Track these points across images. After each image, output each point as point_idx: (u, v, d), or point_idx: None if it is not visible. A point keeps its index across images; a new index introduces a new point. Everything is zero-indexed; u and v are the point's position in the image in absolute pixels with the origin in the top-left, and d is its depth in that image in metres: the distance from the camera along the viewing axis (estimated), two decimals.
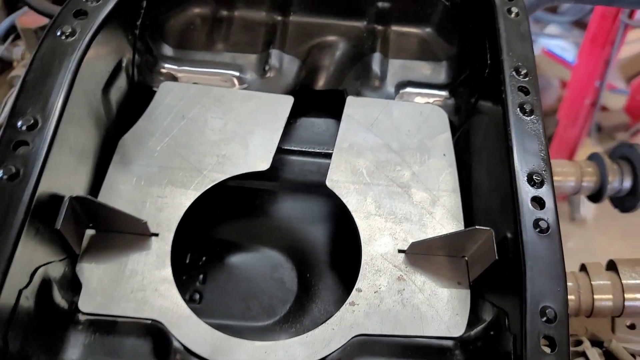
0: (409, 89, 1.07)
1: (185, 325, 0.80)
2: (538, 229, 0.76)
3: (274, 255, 1.04)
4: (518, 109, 0.85)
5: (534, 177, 0.79)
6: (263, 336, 0.93)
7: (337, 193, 0.93)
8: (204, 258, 1.03)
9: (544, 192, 0.78)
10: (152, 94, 1.01)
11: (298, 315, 0.97)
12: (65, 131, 0.78)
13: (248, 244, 1.05)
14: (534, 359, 0.68)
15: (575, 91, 3.22)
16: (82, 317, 0.80)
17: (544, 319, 0.70)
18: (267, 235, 1.06)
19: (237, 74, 1.08)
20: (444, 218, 0.92)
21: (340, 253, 1.04)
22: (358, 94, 1.05)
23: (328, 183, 0.94)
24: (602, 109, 3.48)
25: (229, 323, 0.95)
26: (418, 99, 1.07)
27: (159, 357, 0.79)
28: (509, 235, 0.79)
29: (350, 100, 1.03)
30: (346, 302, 0.84)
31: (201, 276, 1.00)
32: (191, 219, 0.92)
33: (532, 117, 0.84)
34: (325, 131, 1.10)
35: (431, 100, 1.06)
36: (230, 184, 1.04)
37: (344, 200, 0.92)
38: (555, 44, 3.28)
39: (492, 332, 0.77)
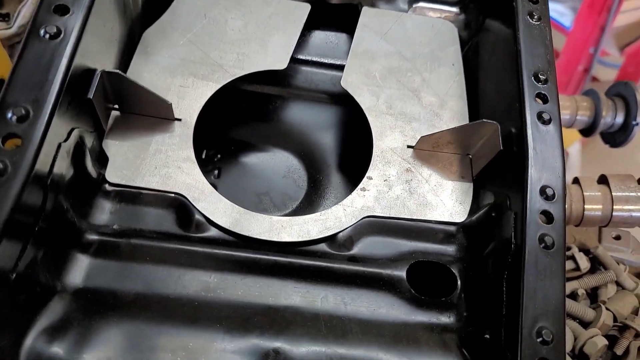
0: (421, 4, 1.11)
1: (207, 200, 0.85)
2: (541, 121, 0.81)
3: (286, 157, 1.09)
4: (527, 15, 0.90)
5: (539, 75, 0.84)
6: None
7: (351, 92, 0.98)
8: (219, 155, 1.07)
9: (548, 89, 0.84)
10: None
11: (308, 210, 1.03)
12: (98, 13, 0.81)
13: (261, 146, 1.10)
14: (532, 230, 0.74)
15: (569, 57, 3.28)
16: (109, 188, 0.85)
17: (544, 196, 0.76)
18: (280, 138, 1.11)
19: None
20: (450, 120, 0.97)
21: (348, 158, 1.10)
22: (372, 6, 1.09)
23: (343, 83, 0.99)
24: (593, 80, 3.54)
25: None
26: (430, 14, 1.11)
27: (182, 227, 0.84)
28: (513, 130, 0.85)
29: (366, 11, 1.07)
30: (357, 188, 0.89)
31: (216, 171, 1.05)
32: (209, 113, 0.96)
33: (539, 23, 0.89)
34: (338, 45, 1.14)
35: (442, 15, 1.11)
36: (246, 87, 1.09)
37: (358, 100, 0.97)
38: (553, 8, 3.32)
39: (493, 214, 0.83)
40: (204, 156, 1.06)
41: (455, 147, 0.93)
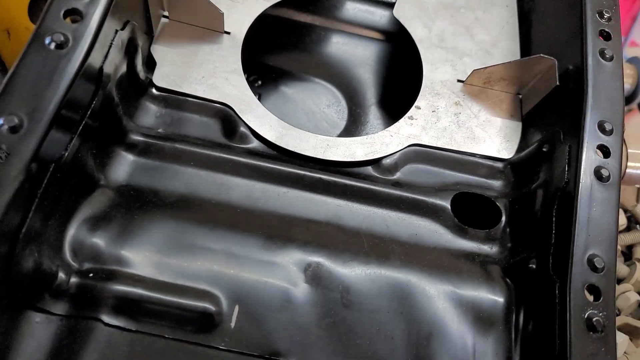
0: None
1: (254, 112, 0.84)
2: (603, 57, 0.79)
3: (327, 89, 1.07)
4: None
5: (604, 12, 0.82)
6: None
7: (403, 23, 0.96)
8: (260, 82, 1.06)
9: (611, 27, 0.82)
10: None
11: None
12: None
13: (303, 76, 1.08)
14: (589, 161, 0.73)
15: None
16: (156, 92, 0.83)
17: (602, 130, 0.75)
18: (322, 70, 1.09)
19: None
20: (502, 58, 0.95)
21: (389, 97, 1.08)
22: None
23: (395, 13, 0.97)
24: None
25: None
26: None
27: (226, 137, 0.83)
28: (570, 67, 0.83)
29: None
30: (405, 116, 0.88)
31: (257, 96, 1.03)
32: (256, 34, 0.94)
33: None
34: None
35: None
36: (292, 16, 1.07)
37: (410, 31, 0.95)
38: None
39: (544, 149, 0.82)
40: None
41: (507, 85, 0.91)
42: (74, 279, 0.66)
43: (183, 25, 0.89)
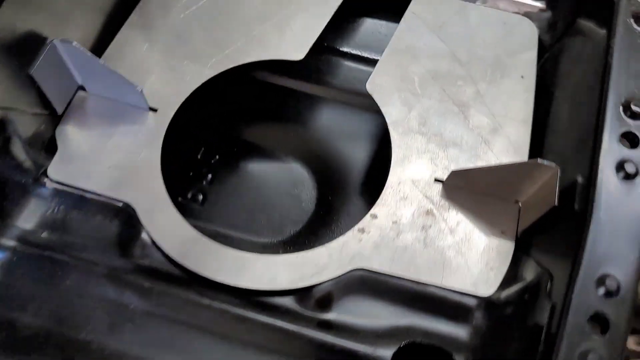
0: None
1: (160, 217, 0.68)
2: (622, 174, 0.55)
3: (296, 168, 0.88)
4: (631, 17, 0.62)
5: (631, 105, 0.58)
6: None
7: (375, 99, 0.76)
8: (217, 156, 0.89)
9: None
10: None
11: (308, 240, 0.82)
12: None
13: (269, 150, 0.90)
14: (573, 338, 0.49)
15: None
16: (48, 184, 0.70)
17: (601, 289, 0.51)
18: (292, 144, 0.90)
19: None
20: (503, 151, 0.72)
21: (372, 179, 0.87)
22: None
23: (368, 86, 0.76)
24: None
25: (227, 232, 0.81)
26: (504, 5, 0.85)
27: (121, 246, 0.67)
28: (579, 179, 0.59)
29: None
30: (354, 228, 0.67)
31: (210, 175, 0.87)
32: (207, 105, 0.79)
33: None
34: (385, 37, 0.91)
35: (521, 10, 0.84)
36: (257, 76, 0.90)
37: (383, 109, 0.75)
38: None
39: (526, 296, 0.59)
40: (199, 156, 0.88)
41: (499, 190, 0.68)
42: None
43: (103, 99, 0.75)
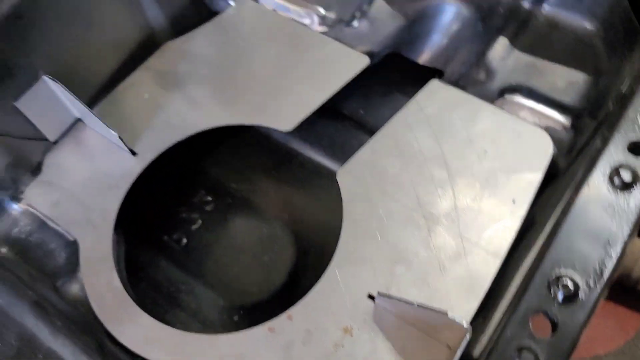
0: (518, 97, 0.75)
1: (96, 264, 0.70)
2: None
3: (279, 234, 0.86)
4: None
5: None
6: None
7: (342, 191, 0.71)
8: (212, 205, 0.90)
9: None
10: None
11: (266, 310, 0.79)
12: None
13: (260, 210, 0.89)
14: None
15: None
16: (21, 205, 0.75)
17: None
18: (280, 207, 0.89)
19: (322, 12, 0.87)
20: (456, 285, 0.63)
21: None
22: (451, 80, 0.77)
23: (339, 176, 0.72)
24: None
25: (192, 284, 0.82)
26: (523, 114, 0.74)
27: (56, 278, 0.71)
28: None
29: (433, 85, 0.76)
30: (264, 324, 0.64)
31: (200, 222, 0.88)
32: (203, 153, 0.82)
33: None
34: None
35: (542, 122, 0.73)
36: (263, 131, 0.89)
37: (344, 204, 0.70)
38: None
39: None
40: (196, 198, 0.89)
41: (424, 329, 0.60)
42: None
43: (99, 134, 0.79)
